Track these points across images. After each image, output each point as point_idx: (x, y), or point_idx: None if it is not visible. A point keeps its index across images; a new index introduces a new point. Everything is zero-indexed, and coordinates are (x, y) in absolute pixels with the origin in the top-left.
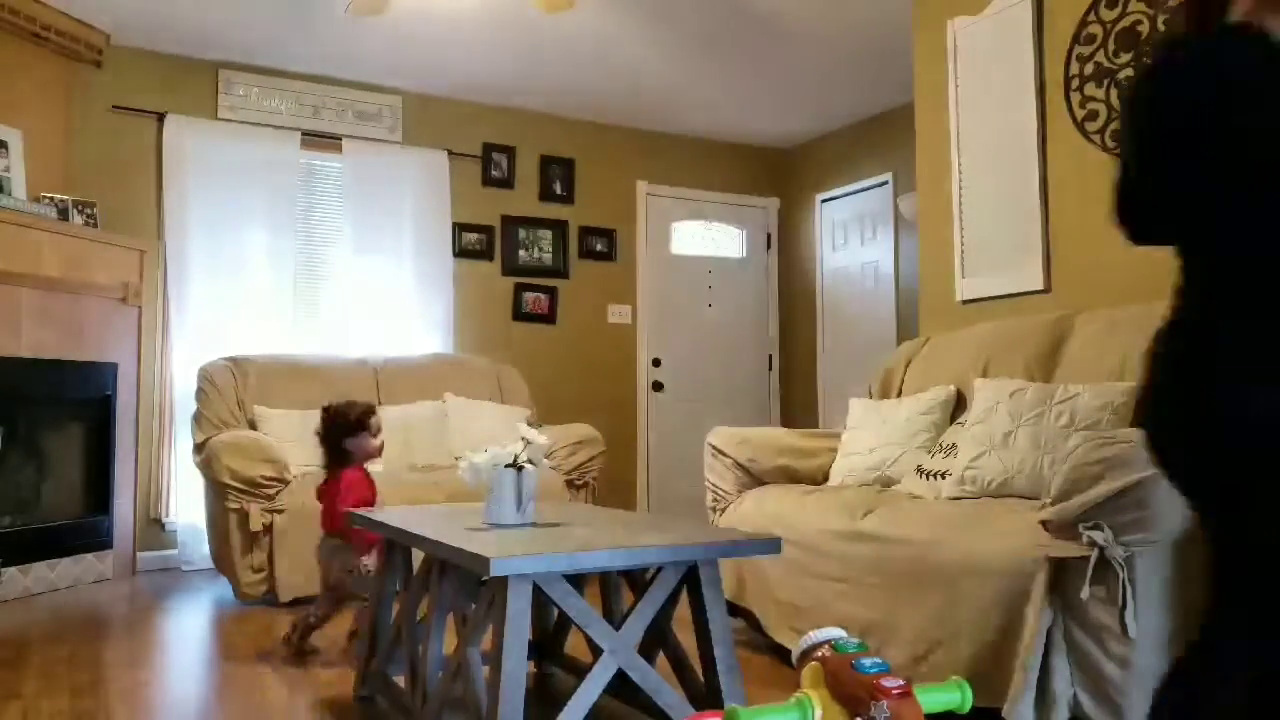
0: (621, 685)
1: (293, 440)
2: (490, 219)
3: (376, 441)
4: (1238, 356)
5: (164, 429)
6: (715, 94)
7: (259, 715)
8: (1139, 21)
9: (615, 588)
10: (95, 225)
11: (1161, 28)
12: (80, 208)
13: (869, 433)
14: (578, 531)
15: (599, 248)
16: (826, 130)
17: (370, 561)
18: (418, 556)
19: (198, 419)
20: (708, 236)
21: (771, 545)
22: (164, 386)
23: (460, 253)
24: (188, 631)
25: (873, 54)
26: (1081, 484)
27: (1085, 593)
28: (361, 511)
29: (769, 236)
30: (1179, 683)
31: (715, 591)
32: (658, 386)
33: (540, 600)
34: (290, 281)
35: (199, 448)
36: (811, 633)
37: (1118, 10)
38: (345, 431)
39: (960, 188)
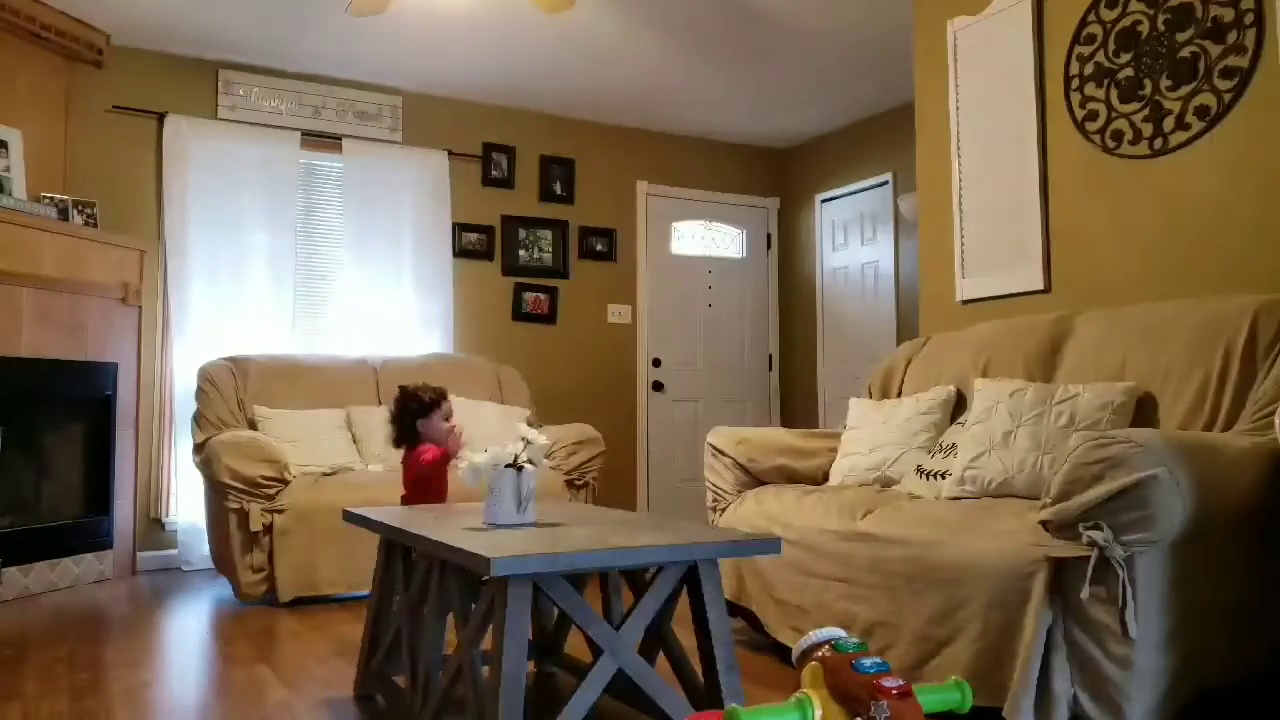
0: (621, 685)
1: (293, 440)
2: (490, 219)
3: (446, 425)
4: None
5: (164, 429)
6: (715, 94)
7: (259, 715)
8: (1139, 21)
9: (615, 588)
10: (95, 225)
11: (1161, 28)
12: (80, 208)
13: (869, 433)
14: (578, 531)
15: (599, 248)
16: (826, 130)
17: None
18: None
19: (198, 419)
20: (708, 236)
21: (771, 545)
22: (164, 386)
23: (460, 253)
24: (188, 631)
25: (873, 54)
26: (1081, 484)
27: (1085, 593)
28: (360, 511)
29: (769, 236)
30: None
31: (715, 591)
32: (658, 386)
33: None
34: (290, 281)
35: (199, 448)
36: (811, 633)
37: (1118, 10)
38: (417, 413)
39: (960, 188)
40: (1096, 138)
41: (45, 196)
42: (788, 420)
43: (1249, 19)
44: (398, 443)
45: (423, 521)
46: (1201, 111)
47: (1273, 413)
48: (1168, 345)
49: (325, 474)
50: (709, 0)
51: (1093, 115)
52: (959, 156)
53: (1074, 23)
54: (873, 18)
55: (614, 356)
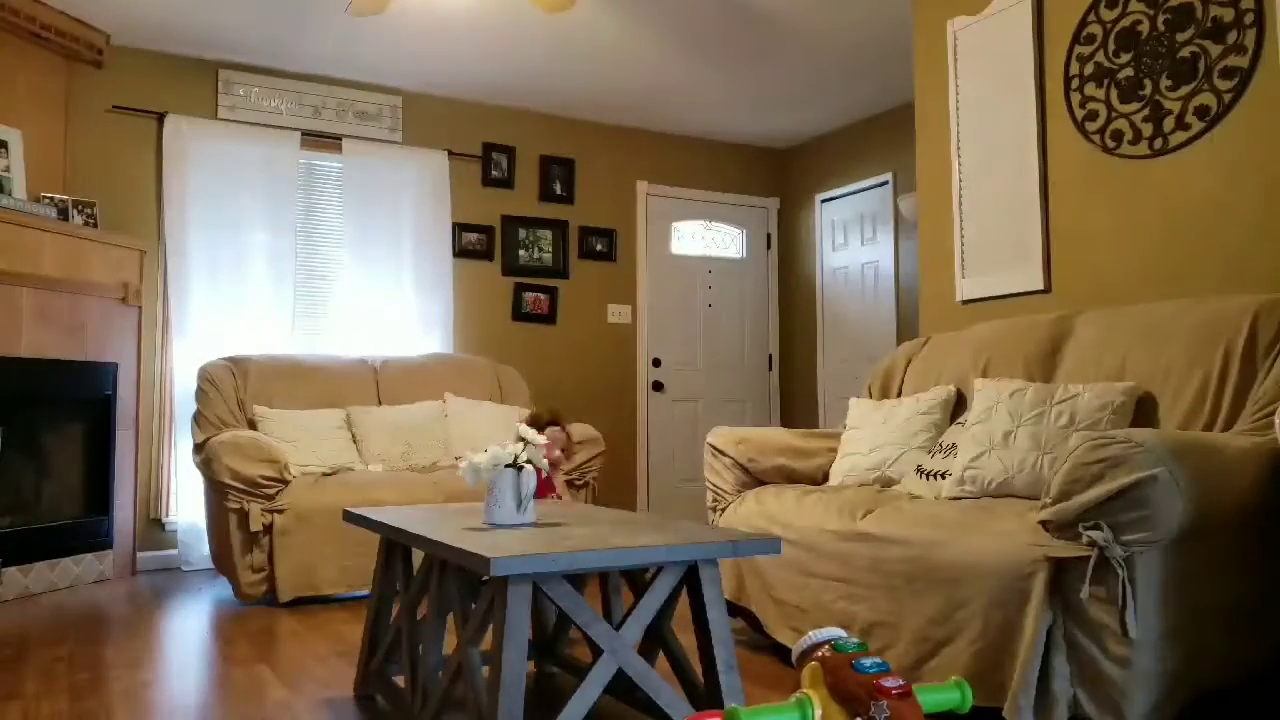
0: (621, 685)
1: (293, 440)
2: (490, 219)
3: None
4: None
5: (164, 429)
6: (715, 94)
7: (259, 715)
8: (1139, 21)
9: (615, 588)
10: (95, 225)
11: (1161, 28)
12: (80, 208)
13: (869, 433)
14: (578, 531)
15: (599, 248)
16: (826, 130)
17: None
18: (418, 556)
19: (198, 419)
20: (708, 236)
21: (771, 545)
22: (164, 386)
23: (460, 253)
24: (188, 631)
25: (873, 54)
26: (1081, 484)
27: (1085, 593)
28: (360, 511)
29: (769, 236)
30: None
31: (715, 591)
32: (658, 386)
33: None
34: (290, 281)
35: (199, 448)
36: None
37: (1118, 10)
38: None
39: (960, 188)
40: (1096, 138)
41: (45, 196)
42: (788, 420)
43: (1249, 19)
44: None
45: (423, 521)
46: (1201, 111)
47: (1273, 413)
48: (1168, 345)
49: (325, 474)
50: (709, 0)
51: (1093, 115)
52: (959, 156)
53: (1074, 23)
54: (873, 18)
55: (614, 356)
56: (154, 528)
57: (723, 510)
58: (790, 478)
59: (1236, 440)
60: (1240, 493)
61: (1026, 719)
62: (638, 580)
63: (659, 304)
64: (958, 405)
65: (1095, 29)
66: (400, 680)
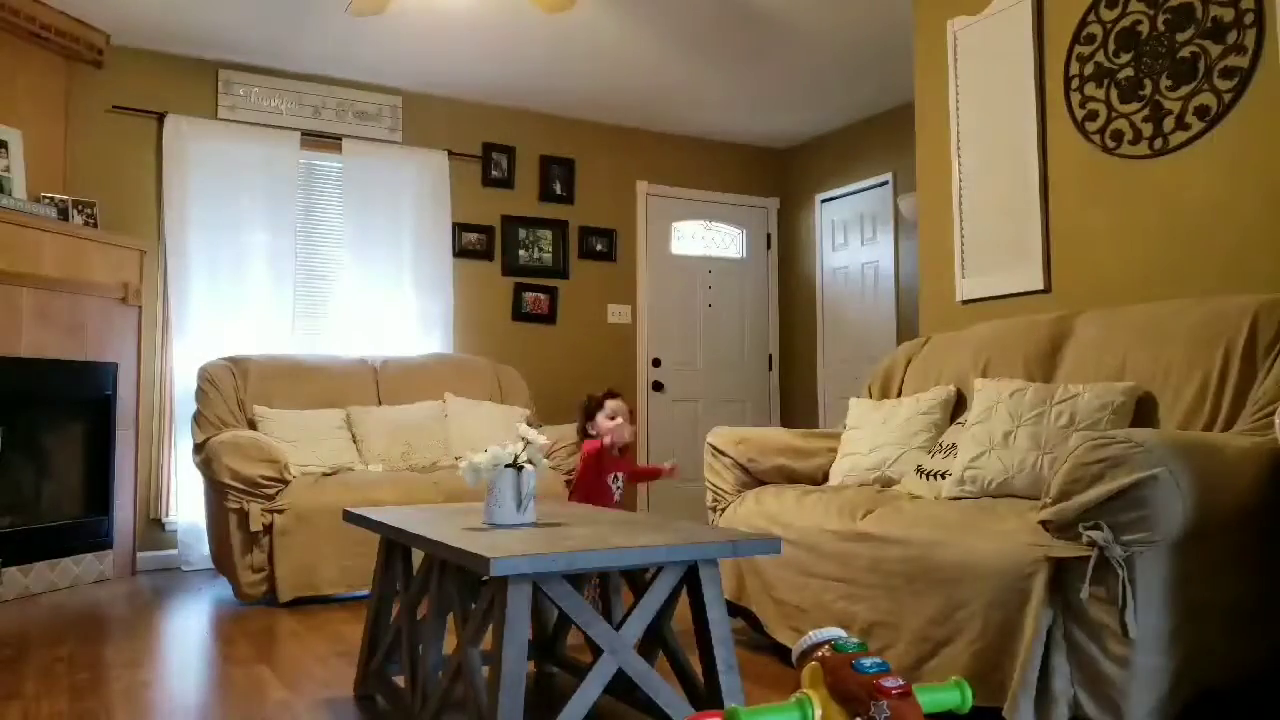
0: (621, 685)
1: (293, 440)
2: (490, 219)
3: (609, 423)
4: None
5: (164, 429)
6: (715, 94)
7: (259, 715)
8: (1139, 21)
9: (615, 588)
10: (95, 225)
11: (1161, 28)
12: (80, 208)
13: (869, 433)
14: (578, 531)
15: (599, 248)
16: (826, 130)
17: None
18: (418, 556)
19: (198, 419)
20: (708, 236)
21: (771, 545)
22: (164, 386)
23: (460, 253)
24: (188, 631)
25: (873, 54)
26: (1081, 484)
27: (1085, 593)
28: (360, 511)
29: (769, 236)
30: None
31: (715, 591)
32: (658, 386)
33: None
34: (290, 281)
35: (199, 448)
36: (811, 633)
37: (1118, 10)
38: (589, 413)
39: (960, 188)
40: (1096, 138)
41: (45, 196)
42: (788, 420)
43: (1249, 19)
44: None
45: (423, 521)
46: (1201, 111)
47: (1273, 413)
48: (1168, 345)
49: (325, 474)
50: (709, 0)
51: (1093, 115)
52: (959, 156)
53: (1074, 23)
54: (873, 18)
55: (614, 356)
56: (154, 528)
57: (723, 510)
58: (790, 478)
59: (1236, 440)
60: (1240, 493)
61: (1026, 719)
62: (638, 580)
63: (659, 304)
64: (958, 405)
65: (1095, 29)
66: (400, 680)
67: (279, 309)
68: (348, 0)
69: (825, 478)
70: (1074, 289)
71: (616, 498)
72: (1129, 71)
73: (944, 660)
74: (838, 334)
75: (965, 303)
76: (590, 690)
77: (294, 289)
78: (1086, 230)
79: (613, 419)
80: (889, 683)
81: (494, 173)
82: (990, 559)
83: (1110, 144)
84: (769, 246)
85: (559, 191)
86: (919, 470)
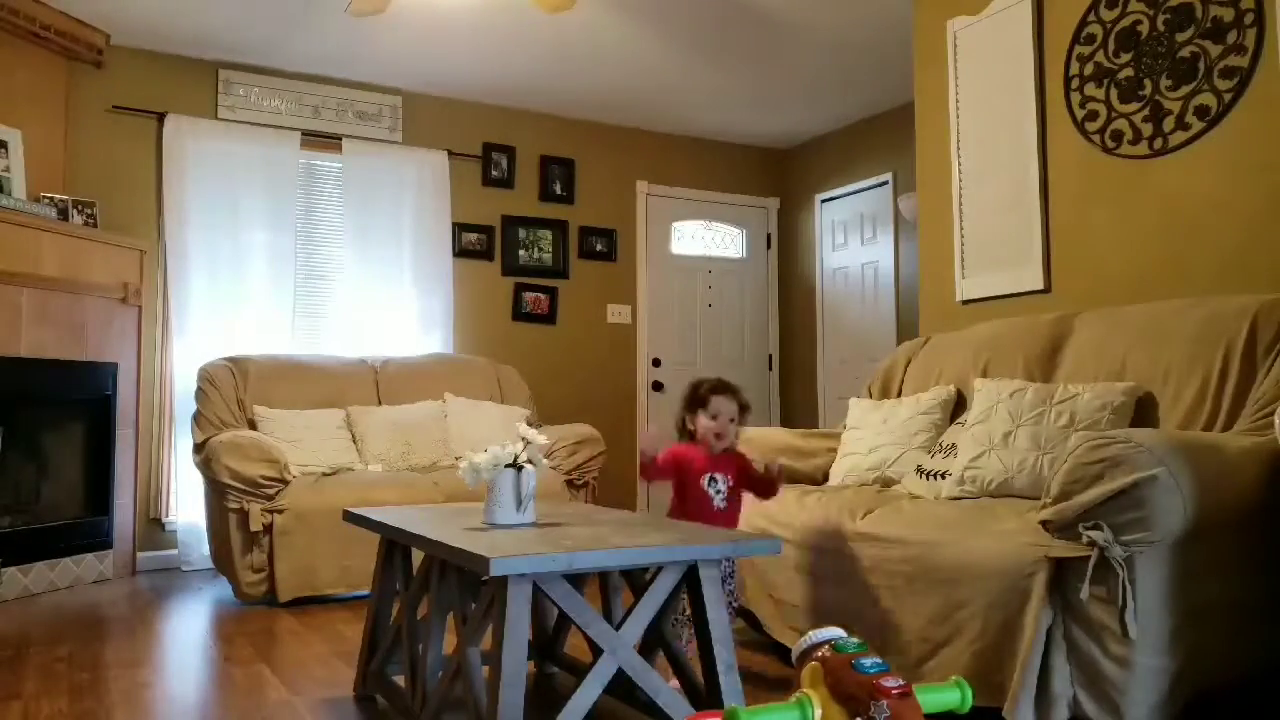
0: (621, 685)
1: (293, 440)
2: (490, 219)
3: (707, 423)
4: None
5: (164, 429)
6: (715, 94)
7: (259, 715)
8: (1139, 21)
9: (615, 588)
10: (95, 225)
11: (1161, 28)
12: (80, 207)
13: (869, 433)
14: (578, 531)
15: (599, 248)
16: (826, 130)
17: None
18: (418, 556)
19: (198, 419)
20: (708, 236)
21: (771, 545)
22: (164, 386)
23: (460, 253)
24: (188, 631)
25: (873, 54)
26: (1081, 484)
27: (1085, 593)
28: (360, 511)
29: (769, 236)
30: None
31: (715, 591)
32: (658, 386)
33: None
34: (290, 281)
35: (199, 448)
36: (811, 633)
37: (1118, 10)
38: (687, 408)
39: (960, 188)
40: (1096, 138)
41: (45, 196)
42: (788, 420)
43: (1249, 19)
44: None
45: (423, 521)
46: (1201, 111)
47: (1273, 413)
48: (1168, 345)
49: (325, 474)
50: (709, 0)
51: (1093, 115)
52: (959, 156)
53: (1074, 23)
54: (873, 17)
55: (614, 356)
56: (154, 528)
57: None
58: (790, 478)
59: (1236, 440)
60: (1240, 493)
61: (1026, 719)
62: (638, 580)
63: (659, 304)
64: (958, 405)
65: (1095, 29)
66: (400, 680)
67: (279, 309)
68: (347, 0)
69: (825, 478)
70: (1074, 289)
71: (717, 505)
72: (1129, 71)
73: (944, 660)
74: (838, 334)
75: (965, 303)
76: (590, 690)
77: (294, 289)
78: (1086, 230)
79: (714, 419)
80: (889, 683)
81: (494, 173)
82: (990, 559)
83: (1110, 144)
84: (769, 246)
85: (559, 191)
86: (919, 470)
